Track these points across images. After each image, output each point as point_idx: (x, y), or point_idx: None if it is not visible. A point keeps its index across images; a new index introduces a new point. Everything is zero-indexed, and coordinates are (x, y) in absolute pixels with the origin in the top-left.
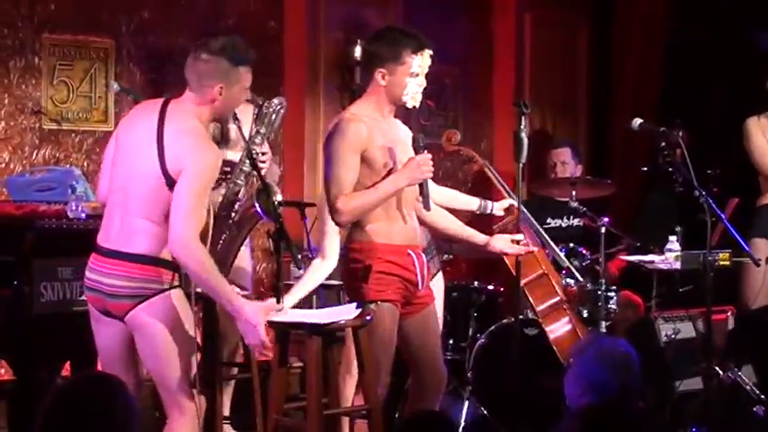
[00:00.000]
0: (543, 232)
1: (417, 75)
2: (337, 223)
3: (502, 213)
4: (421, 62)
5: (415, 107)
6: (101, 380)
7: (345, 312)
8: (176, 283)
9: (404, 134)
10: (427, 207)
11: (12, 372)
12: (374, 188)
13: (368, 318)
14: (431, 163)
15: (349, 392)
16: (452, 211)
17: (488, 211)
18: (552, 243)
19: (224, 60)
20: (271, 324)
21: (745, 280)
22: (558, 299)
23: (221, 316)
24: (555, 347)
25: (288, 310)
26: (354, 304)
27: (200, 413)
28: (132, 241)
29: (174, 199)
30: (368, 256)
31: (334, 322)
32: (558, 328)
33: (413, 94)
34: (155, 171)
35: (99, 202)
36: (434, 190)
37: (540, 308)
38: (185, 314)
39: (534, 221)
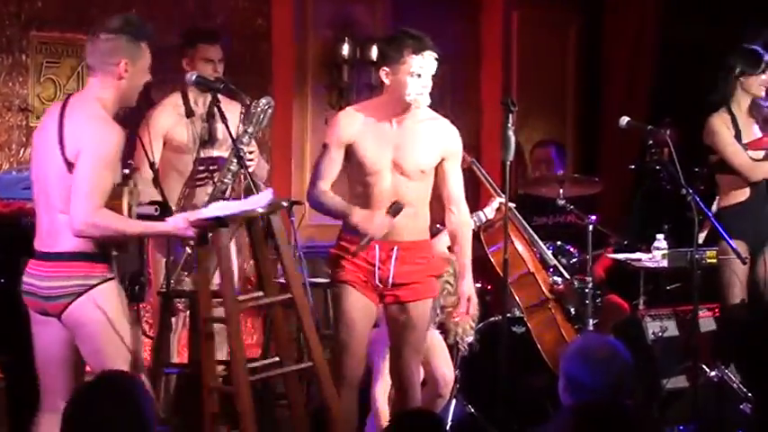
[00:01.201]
0: (530, 230)
1: (419, 75)
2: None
3: (493, 215)
4: (422, 63)
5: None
6: (118, 380)
7: (259, 202)
8: (109, 275)
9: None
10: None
11: (1, 370)
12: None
13: (283, 204)
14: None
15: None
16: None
17: (484, 221)
18: (539, 241)
19: (124, 36)
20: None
21: (729, 279)
22: (543, 298)
23: None
24: (539, 346)
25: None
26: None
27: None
28: (59, 240)
29: (74, 181)
30: (335, 244)
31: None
32: (543, 328)
33: (415, 94)
34: (59, 162)
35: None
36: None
37: (526, 306)
38: (120, 305)
39: (522, 219)
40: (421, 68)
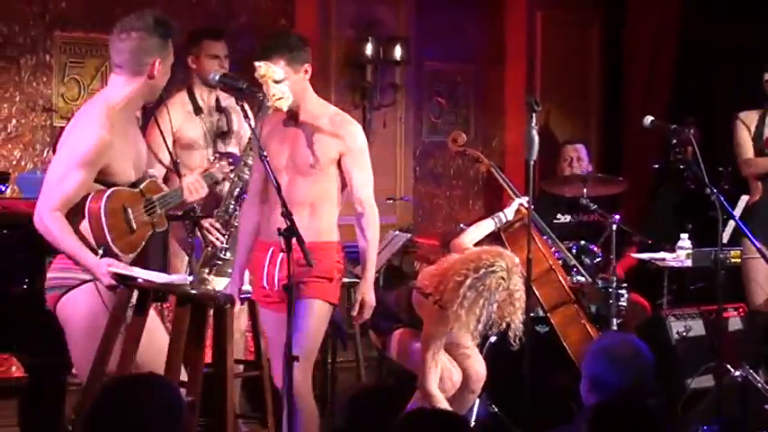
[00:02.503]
0: (550, 231)
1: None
2: None
3: (512, 216)
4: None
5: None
6: (147, 378)
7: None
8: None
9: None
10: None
11: (23, 369)
12: None
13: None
14: None
15: None
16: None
17: (505, 222)
18: (558, 241)
19: (156, 36)
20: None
21: (750, 278)
22: (566, 293)
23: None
24: (564, 342)
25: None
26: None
27: None
28: None
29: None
30: None
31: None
32: (568, 323)
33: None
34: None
35: None
36: (470, 235)
37: (548, 303)
38: (108, 304)
39: (540, 220)
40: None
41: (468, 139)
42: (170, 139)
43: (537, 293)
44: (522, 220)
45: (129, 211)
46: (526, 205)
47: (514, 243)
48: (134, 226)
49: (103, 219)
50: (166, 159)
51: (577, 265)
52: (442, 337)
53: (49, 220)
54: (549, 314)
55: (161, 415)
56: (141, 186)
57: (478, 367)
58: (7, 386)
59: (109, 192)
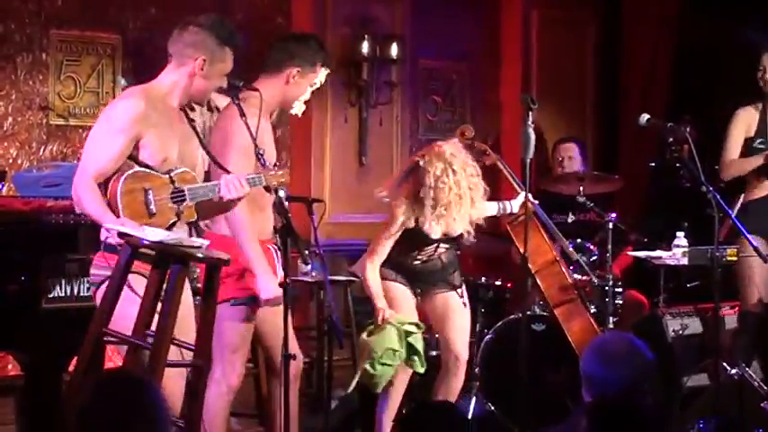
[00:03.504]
0: (554, 226)
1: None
2: None
3: (518, 210)
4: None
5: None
6: (131, 377)
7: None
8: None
9: None
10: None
11: (19, 367)
12: None
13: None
14: None
15: None
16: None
17: (508, 212)
18: (563, 237)
19: (212, 36)
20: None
21: (747, 277)
22: (569, 286)
23: None
24: (567, 334)
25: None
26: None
27: None
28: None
29: None
30: None
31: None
32: (570, 315)
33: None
34: None
35: None
36: None
37: (551, 294)
38: (129, 300)
39: (544, 215)
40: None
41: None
42: None
43: (540, 285)
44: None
45: (151, 193)
46: (532, 199)
47: (520, 236)
48: (153, 209)
49: (119, 197)
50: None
51: (581, 261)
52: (397, 225)
53: (82, 189)
54: (552, 307)
55: (146, 416)
56: (173, 174)
57: (461, 350)
58: (4, 384)
59: (131, 171)
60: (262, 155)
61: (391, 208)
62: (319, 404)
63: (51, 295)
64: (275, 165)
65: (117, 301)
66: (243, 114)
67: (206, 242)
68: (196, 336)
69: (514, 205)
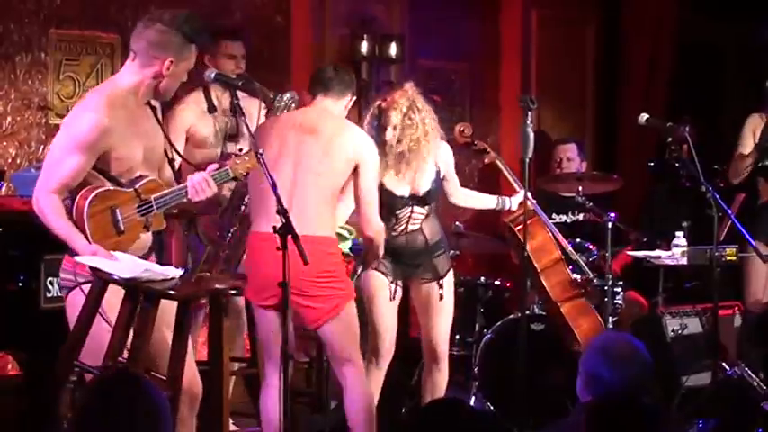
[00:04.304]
0: (553, 226)
1: None
2: None
3: (517, 207)
4: None
5: None
6: (134, 375)
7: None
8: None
9: None
10: None
11: (18, 367)
12: None
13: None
14: None
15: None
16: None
17: (507, 207)
18: (562, 238)
19: (179, 35)
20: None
21: (748, 277)
22: (574, 286)
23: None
24: (575, 332)
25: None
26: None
27: None
28: None
29: None
30: None
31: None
32: (578, 313)
33: None
34: None
35: None
36: (463, 192)
37: (557, 292)
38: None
39: (544, 214)
40: None
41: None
42: (180, 138)
43: (544, 283)
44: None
45: (118, 212)
46: (530, 197)
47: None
48: (122, 227)
49: (86, 221)
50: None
51: (579, 261)
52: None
53: (45, 203)
54: (559, 305)
55: (147, 415)
56: (138, 186)
57: (441, 344)
58: (4, 384)
59: (95, 192)
60: (261, 155)
61: None
62: (319, 404)
63: (51, 295)
64: (238, 151)
65: (88, 332)
66: (242, 114)
67: (179, 272)
68: (168, 368)
69: (513, 202)
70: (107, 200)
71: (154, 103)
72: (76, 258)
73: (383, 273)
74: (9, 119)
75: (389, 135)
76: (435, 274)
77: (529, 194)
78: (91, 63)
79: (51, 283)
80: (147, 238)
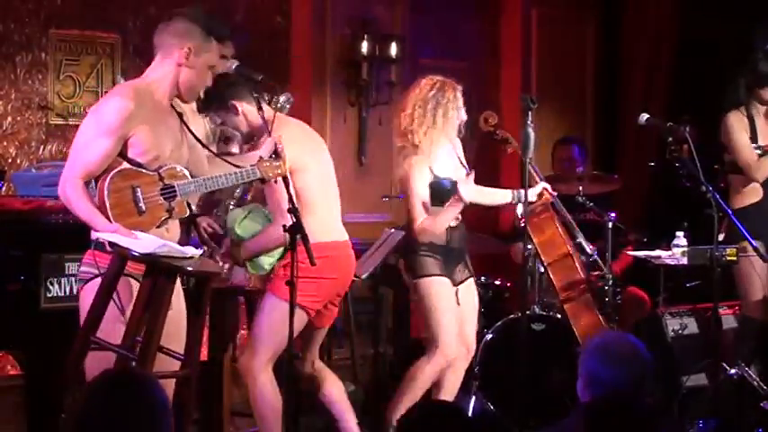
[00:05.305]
0: (572, 220)
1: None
2: None
3: (534, 198)
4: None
5: None
6: (135, 375)
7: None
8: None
9: None
10: None
11: (19, 367)
12: None
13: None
14: None
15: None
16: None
17: (523, 200)
18: (579, 232)
19: (198, 26)
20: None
21: (748, 277)
22: (581, 281)
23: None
24: (574, 328)
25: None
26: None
27: None
28: None
29: None
30: None
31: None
32: (579, 310)
33: None
34: None
35: None
36: (476, 189)
37: (563, 288)
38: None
39: (563, 208)
40: None
41: (465, 136)
42: None
43: (552, 277)
44: (544, 204)
45: (139, 191)
46: (550, 189)
47: (535, 230)
48: (142, 207)
49: (106, 194)
50: None
51: (595, 256)
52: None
53: (70, 187)
54: (561, 302)
55: (149, 414)
56: (161, 171)
57: (471, 341)
58: (4, 384)
59: (117, 169)
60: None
61: (400, 169)
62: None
63: (51, 295)
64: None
65: (105, 310)
66: (261, 108)
67: (198, 252)
68: (185, 346)
69: (530, 193)
70: (128, 178)
71: (179, 109)
72: (96, 234)
73: (441, 274)
74: (9, 119)
75: (434, 110)
76: (469, 270)
77: (548, 186)
78: (91, 63)
79: (51, 283)
80: (176, 230)
